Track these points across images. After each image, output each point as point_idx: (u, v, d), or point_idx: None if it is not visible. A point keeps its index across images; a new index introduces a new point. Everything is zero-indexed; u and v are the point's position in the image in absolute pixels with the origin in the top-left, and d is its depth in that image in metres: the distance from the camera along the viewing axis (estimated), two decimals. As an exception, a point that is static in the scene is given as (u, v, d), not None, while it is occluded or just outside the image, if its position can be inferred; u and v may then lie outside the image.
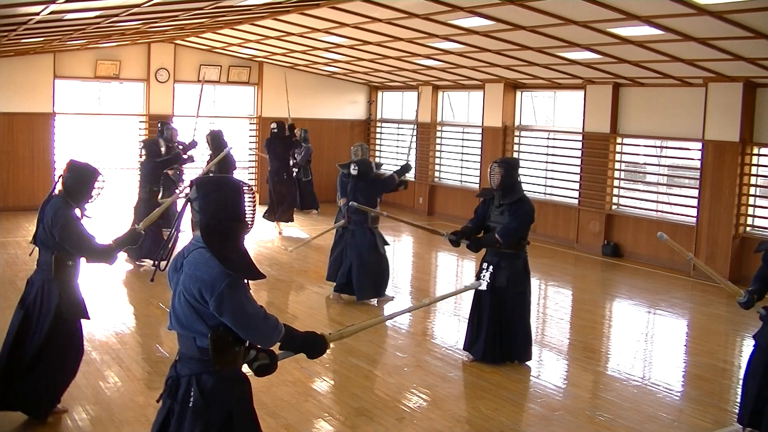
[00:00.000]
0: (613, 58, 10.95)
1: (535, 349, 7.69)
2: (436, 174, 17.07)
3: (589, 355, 7.68)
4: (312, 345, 3.62)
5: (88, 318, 5.62)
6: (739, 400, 5.81)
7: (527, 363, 7.22)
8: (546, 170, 14.59)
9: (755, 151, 11.13)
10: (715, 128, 11.29)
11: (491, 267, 7.06)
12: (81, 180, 5.37)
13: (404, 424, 5.76)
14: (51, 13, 8.12)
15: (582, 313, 9.62)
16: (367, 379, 6.78)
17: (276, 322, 3.44)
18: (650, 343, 8.60)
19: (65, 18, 9.17)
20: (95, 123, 16.66)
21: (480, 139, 15.56)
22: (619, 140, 13.07)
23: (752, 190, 11.25)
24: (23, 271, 10.24)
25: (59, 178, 5.46)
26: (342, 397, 6.26)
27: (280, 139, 13.75)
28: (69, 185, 5.35)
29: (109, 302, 8.96)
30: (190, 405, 3.39)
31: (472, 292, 7.28)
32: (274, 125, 13.89)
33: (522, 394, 6.57)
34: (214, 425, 3.39)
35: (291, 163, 14.52)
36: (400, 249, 13.42)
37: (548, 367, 7.40)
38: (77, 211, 5.39)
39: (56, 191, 5.43)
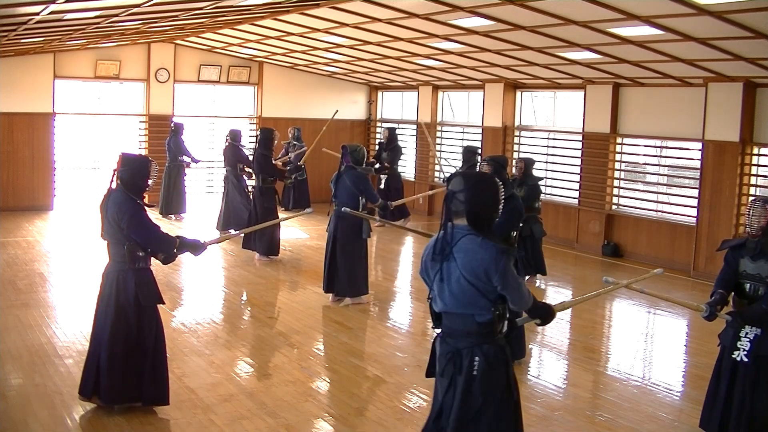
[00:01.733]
0: (613, 58, 10.95)
1: (535, 349, 7.70)
2: (436, 174, 17.07)
3: (589, 355, 7.68)
4: (547, 312, 4.23)
5: (164, 303, 5.84)
6: None
7: (520, 360, 7.21)
8: (546, 170, 14.58)
9: (755, 151, 11.12)
10: (715, 128, 11.28)
11: None
12: (136, 171, 5.55)
13: (404, 424, 5.75)
14: (51, 13, 8.12)
15: (582, 313, 9.61)
16: (367, 379, 6.77)
17: (529, 290, 4.04)
18: (650, 343, 8.61)
19: (65, 18, 9.17)
20: (95, 123, 16.67)
21: (480, 139, 15.56)
22: (619, 140, 13.07)
23: (752, 190, 11.23)
24: (23, 271, 10.25)
25: (114, 172, 5.59)
26: (342, 397, 6.25)
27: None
28: (126, 178, 5.52)
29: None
30: (475, 373, 3.88)
31: None
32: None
33: (522, 394, 6.49)
34: (499, 386, 3.94)
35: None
36: (400, 249, 13.42)
37: (548, 367, 7.41)
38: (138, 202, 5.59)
39: (113, 186, 5.59)
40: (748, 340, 5.20)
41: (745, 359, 5.19)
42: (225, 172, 13.45)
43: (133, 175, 5.52)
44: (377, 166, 14.85)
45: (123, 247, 5.51)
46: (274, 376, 6.64)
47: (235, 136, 13.28)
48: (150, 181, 5.63)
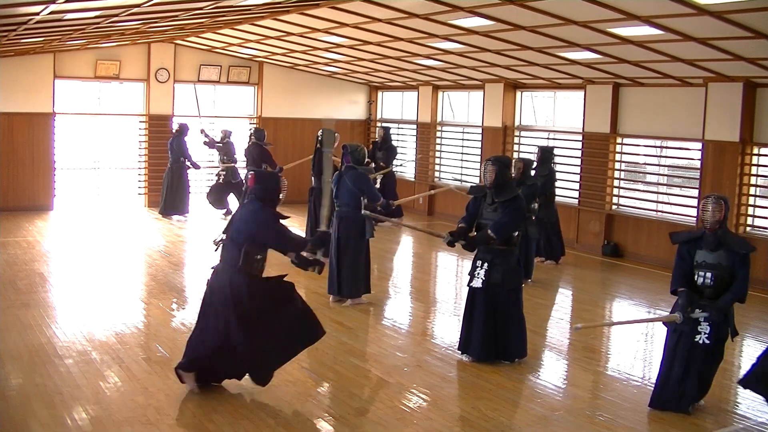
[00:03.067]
0: (613, 58, 10.95)
1: (535, 349, 7.69)
2: (436, 174, 17.08)
3: (589, 355, 7.68)
4: None
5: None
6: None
7: (524, 360, 7.23)
8: (546, 170, 14.57)
9: (755, 151, 11.13)
10: (715, 128, 11.29)
11: (485, 264, 7.06)
12: (269, 188, 6.04)
13: (404, 424, 5.75)
14: (51, 13, 8.12)
15: (582, 313, 9.62)
16: (367, 379, 6.78)
17: None
18: (650, 343, 8.60)
19: (65, 18, 9.18)
20: (95, 123, 16.67)
21: (480, 139, 15.57)
22: (619, 140, 13.08)
23: (752, 190, 11.25)
24: (23, 271, 10.25)
25: (248, 189, 6.12)
26: (342, 397, 6.26)
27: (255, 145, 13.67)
28: (260, 195, 6.01)
29: (108, 302, 8.96)
30: None
31: (466, 291, 7.31)
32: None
33: (522, 394, 6.57)
34: None
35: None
36: (400, 249, 13.42)
37: (548, 367, 7.40)
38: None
39: (246, 199, 6.13)
40: (707, 324, 5.91)
41: (707, 341, 5.91)
42: (247, 171, 13.46)
43: (266, 191, 6.00)
44: (372, 165, 14.87)
45: (239, 251, 5.86)
46: (274, 376, 6.63)
47: (259, 135, 13.30)
48: (281, 195, 6.09)
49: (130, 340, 7.53)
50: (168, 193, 14.87)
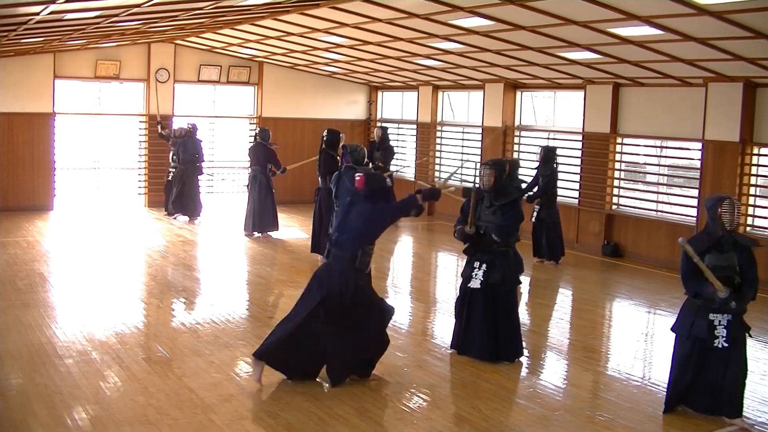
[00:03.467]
0: (613, 58, 10.95)
1: (535, 349, 7.71)
2: (436, 174, 17.07)
3: (589, 355, 7.68)
4: None
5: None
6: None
7: (522, 359, 7.27)
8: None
9: (755, 151, 11.13)
10: (715, 128, 11.29)
11: (484, 265, 7.10)
12: (377, 189, 6.50)
13: (404, 424, 5.75)
14: (51, 13, 8.13)
15: (582, 313, 9.62)
16: (367, 379, 6.77)
17: None
18: (650, 343, 8.60)
19: (65, 18, 9.18)
20: (95, 123, 16.67)
21: (480, 139, 15.57)
22: (619, 140, 13.08)
23: (752, 190, 11.25)
24: (23, 271, 10.25)
25: (358, 190, 6.53)
26: (342, 397, 6.25)
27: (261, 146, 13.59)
28: (369, 195, 6.47)
29: (108, 302, 8.96)
30: None
31: (459, 289, 7.36)
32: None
33: (522, 394, 6.56)
34: None
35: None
36: (400, 249, 13.42)
37: (548, 367, 7.40)
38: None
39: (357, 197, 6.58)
40: (723, 327, 5.89)
41: (725, 344, 5.88)
42: (252, 171, 13.45)
43: (375, 191, 6.49)
44: (370, 165, 14.83)
45: (357, 251, 6.30)
46: (274, 376, 6.63)
47: (264, 136, 13.32)
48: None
49: (130, 340, 7.53)
50: (179, 192, 14.76)
